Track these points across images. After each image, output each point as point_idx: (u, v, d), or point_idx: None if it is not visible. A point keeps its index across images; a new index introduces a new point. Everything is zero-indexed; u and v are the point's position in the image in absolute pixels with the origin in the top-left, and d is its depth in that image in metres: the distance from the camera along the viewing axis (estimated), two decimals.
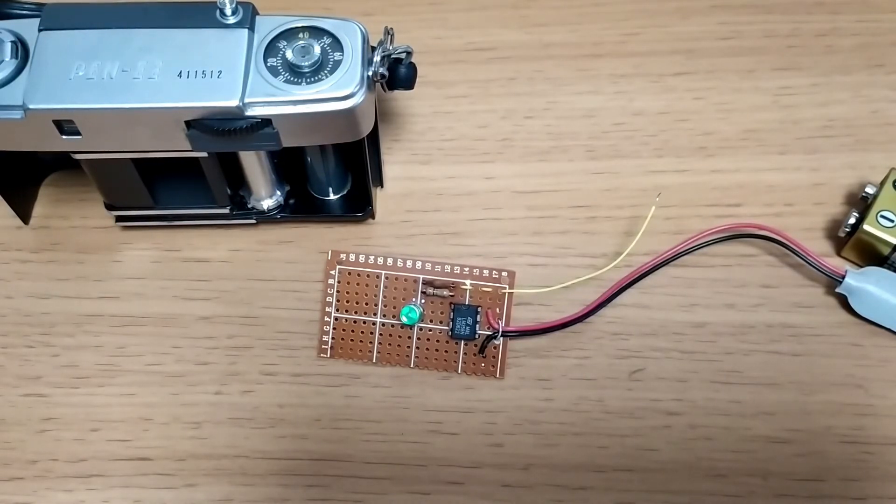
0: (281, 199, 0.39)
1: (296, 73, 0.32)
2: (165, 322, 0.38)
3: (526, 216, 0.40)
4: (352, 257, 0.37)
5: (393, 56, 0.34)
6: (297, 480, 0.35)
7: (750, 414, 0.36)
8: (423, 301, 0.37)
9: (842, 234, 0.38)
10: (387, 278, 0.37)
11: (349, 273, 0.37)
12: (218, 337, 0.38)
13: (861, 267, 0.38)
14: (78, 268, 0.39)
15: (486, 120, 0.42)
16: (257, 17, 0.33)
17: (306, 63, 0.32)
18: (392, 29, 0.34)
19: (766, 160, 0.41)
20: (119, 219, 0.39)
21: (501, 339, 0.37)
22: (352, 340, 0.37)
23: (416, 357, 0.37)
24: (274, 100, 0.32)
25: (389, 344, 0.37)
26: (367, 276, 0.37)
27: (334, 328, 0.37)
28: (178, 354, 0.37)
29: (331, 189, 0.39)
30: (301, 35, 0.33)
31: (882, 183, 0.37)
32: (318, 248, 0.39)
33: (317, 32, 0.33)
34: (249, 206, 0.39)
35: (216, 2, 0.33)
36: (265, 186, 0.38)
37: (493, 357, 0.37)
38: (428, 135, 0.42)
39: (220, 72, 0.32)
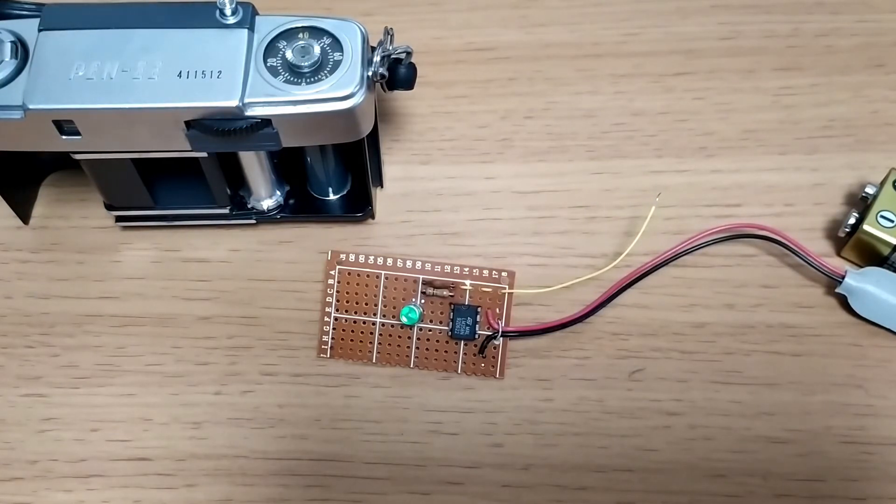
0: (281, 199, 0.39)
1: (296, 74, 0.32)
2: (165, 322, 0.38)
3: (526, 216, 0.40)
4: (352, 257, 0.37)
5: (393, 56, 0.34)
6: (296, 480, 0.35)
7: (750, 414, 0.36)
8: (422, 301, 0.37)
9: (842, 235, 0.38)
10: (387, 278, 0.37)
11: (349, 273, 0.37)
12: (218, 337, 0.38)
13: (861, 267, 0.38)
14: (78, 268, 0.39)
15: (485, 120, 0.42)
16: (257, 18, 0.33)
17: (306, 63, 0.32)
18: (392, 29, 0.34)
19: (766, 160, 0.41)
20: (119, 219, 0.39)
21: (501, 339, 0.37)
22: (351, 340, 0.37)
23: (416, 357, 0.37)
24: (274, 100, 0.32)
25: (389, 344, 0.37)
26: (367, 276, 0.37)
27: (334, 328, 0.37)
28: (178, 354, 0.37)
29: (331, 189, 0.39)
30: (301, 35, 0.33)
31: (882, 183, 0.37)
32: (318, 248, 0.39)
33: (317, 32, 0.33)
34: (249, 206, 0.39)
35: (216, 2, 0.33)
36: (265, 186, 0.38)
37: (493, 357, 0.37)
38: (428, 135, 0.42)
39: (219, 72, 0.32)
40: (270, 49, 0.33)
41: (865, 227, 0.36)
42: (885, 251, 0.37)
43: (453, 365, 0.37)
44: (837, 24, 0.44)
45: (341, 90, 0.32)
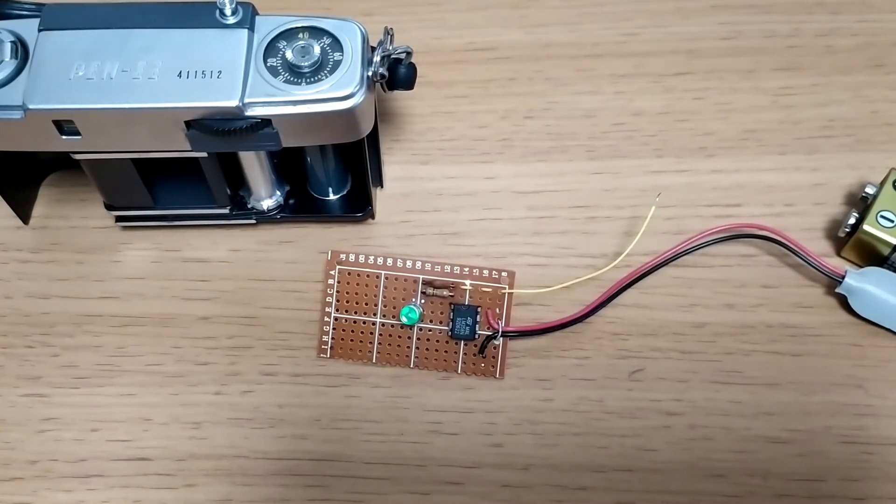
0: (281, 199, 0.39)
1: (296, 74, 0.32)
2: (165, 322, 0.38)
3: (526, 216, 0.40)
4: (352, 257, 0.37)
5: (393, 56, 0.34)
6: (296, 480, 0.35)
7: (750, 414, 0.36)
8: (422, 301, 0.37)
9: (842, 235, 0.38)
10: (387, 278, 0.37)
11: (349, 273, 0.37)
12: (218, 337, 0.38)
13: (861, 267, 0.38)
14: (78, 268, 0.39)
15: (485, 120, 0.42)
16: (257, 18, 0.33)
17: (306, 63, 0.32)
18: (392, 29, 0.34)
19: (766, 160, 0.41)
20: (119, 219, 0.39)
21: (501, 339, 0.37)
22: (352, 340, 0.37)
23: (416, 357, 0.37)
24: (274, 100, 0.32)
25: (389, 344, 0.37)
26: (367, 276, 0.37)
27: (334, 328, 0.37)
28: (178, 354, 0.37)
29: (331, 189, 0.39)
30: (301, 35, 0.33)
31: (882, 183, 0.37)
32: (318, 248, 0.39)
33: (317, 32, 0.33)
34: (249, 206, 0.39)
35: (216, 2, 0.33)
36: (265, 186, 0.38)
37: (493, 357, 0.37)
38: (428, 135, 0.42)
39: (219, 72, 0.32)
40: (270, 49, 0.33)
41: (865, 227, 0.36)
42: (885, 251, 0.37)
43: (453, 365, 0.37)
44: (837, 24, 0.44)
45: (341, 90, 0.32)
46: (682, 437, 0.36)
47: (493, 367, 0.37)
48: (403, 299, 0.37)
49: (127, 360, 0.37)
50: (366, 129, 0.34)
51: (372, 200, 0.39)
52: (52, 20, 0.32)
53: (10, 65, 0.32)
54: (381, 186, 0.40)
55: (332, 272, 0.37)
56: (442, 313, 0.37)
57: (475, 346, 0.37)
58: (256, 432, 0.36)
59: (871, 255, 0.37)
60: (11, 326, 0.38)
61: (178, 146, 0.33)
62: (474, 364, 0.37)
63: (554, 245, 0.39)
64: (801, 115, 0.42)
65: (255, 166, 0.37)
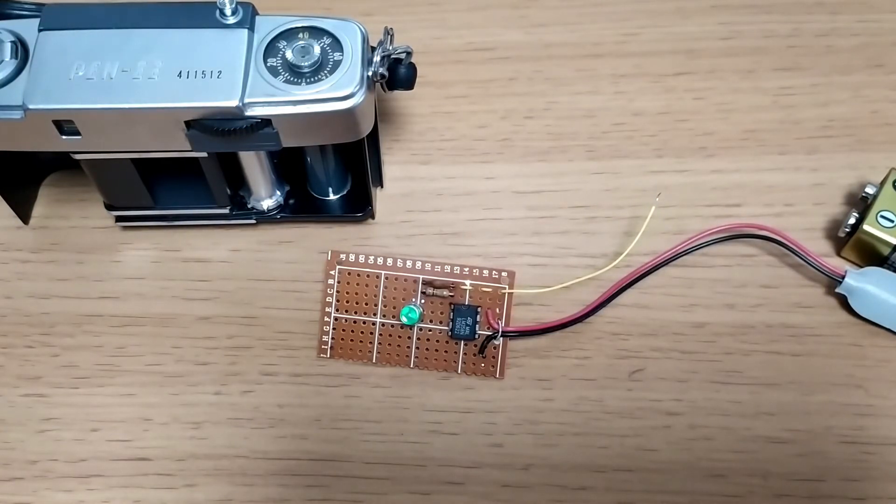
0: (281, 199, 0.39)
1: (296, 74, 0.32)
2: (165, 322, 0.38)
3: (526, 216, 0.40)
4: (352, 257, 0.37)
5: (393, 56, 0.34)
6: (296, 480, 0.35)
7: (750, 414, 0.36)
8: (422, 301, 0.37)
9: (842, 234, 0.38)
10: (387, 278, 0.37)
11: (349, 273, 0.37)
12: (218, 337, 0.38)
13: (861, 267, 0.38)
14: (78, 268, 0.39)
15: (485, 120, 0.42)
16: (257, 18, 0.33)
17: (306, 63, 0.32)
18: (392, 29, 0.34)
19: (766, 160, 0.41)
20: (119, 219, 0.39)
21: (501, 339, 0.37)
22: (351, 340, 0.37)
23: (416, 357, 0.37)
24: (274, 100, 0.32)
25: (389, 344, 0.37)
26: (367, 276, 0.37)
27: (334, 328, 0.37)
28: (178, 354, 0.37)
29: (331, 189, 0.39)
30: (301, 35, 0.33)
31: (882, 183, 0.37)
32: (318, 248, 0.39)
33: (317, 32, 0.33)
34: (249, 206, 0.39)
35: (216, 2, 0.33)
36: (265, 186, 0.38)
37: (493, 357, 0.37)
38: (428, 135, 0.42)
39: (219, 72, 0.32)
40: (270, 49, 0.33)
41: (865, 227, 0.36)
42: (885, 251, 0.37)
43: (453, 365, 0.37)
44: (837, 24, 0.44)
45: (341, 90, 0.32)
46: (682, 437, 0.36)
47: (493, 367, 0.37)
48: (403, 299, 0.37)
49: (127, 360, 0.37)
50: (366, 129, 0.34)
51: (372, 200, 0.39)
52: (52, 20, 0.32)
53: (10, 65, 0.32)
54: (381, 186, 0.40)
55: (332, 272, 0.37)
56: (442, 313, 0.37)
57: (475, 346, 0.37)
58: (256, 432, 0.36)
59: (871, 255, 0.37)
60: (11, 326, 0.38)
61: (178, 146, 0.33)
62: (474, 364, 0.37)
63: (554, 245, 0.39)
64: (801, 115, 0.42)
65: (255, 166, 0.37)
